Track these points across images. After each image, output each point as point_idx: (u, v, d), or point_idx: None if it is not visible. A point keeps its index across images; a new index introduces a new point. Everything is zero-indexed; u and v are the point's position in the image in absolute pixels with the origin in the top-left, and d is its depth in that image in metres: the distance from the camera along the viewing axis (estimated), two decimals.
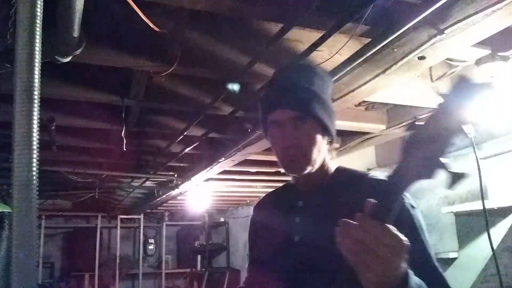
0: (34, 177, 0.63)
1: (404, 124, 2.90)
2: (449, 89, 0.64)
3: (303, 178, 1.06)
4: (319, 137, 1.01)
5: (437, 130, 0.63)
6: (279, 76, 1.08)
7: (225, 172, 4.19)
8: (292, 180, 1.13)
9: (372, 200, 0.69)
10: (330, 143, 1.07)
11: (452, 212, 3.05)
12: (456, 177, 0.62)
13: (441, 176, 0.64)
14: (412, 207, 0.93)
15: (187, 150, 3.43)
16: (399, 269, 0.69)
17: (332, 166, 1.09)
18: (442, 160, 0.63)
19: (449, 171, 0.63)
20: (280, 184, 1.23)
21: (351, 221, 0.69)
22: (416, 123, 0.68)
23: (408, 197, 0.93)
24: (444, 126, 0.63)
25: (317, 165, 1.03)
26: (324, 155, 1.05)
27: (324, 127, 1.02)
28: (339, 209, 0.90)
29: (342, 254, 0.70)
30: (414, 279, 0.73)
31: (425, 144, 0.64)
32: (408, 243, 0.68)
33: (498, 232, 2.71)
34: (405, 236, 0.69)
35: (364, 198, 0.71)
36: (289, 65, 1.14)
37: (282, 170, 1.08)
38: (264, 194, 1.29)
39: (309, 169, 1.01)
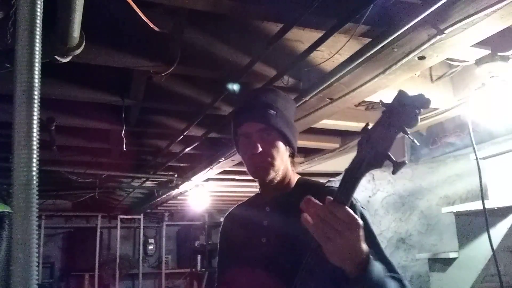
0: (34, 177, 0.63)
1: None
2: (391, 101, 0.84)
3: (269, 186, 1.19)
4: (282, 148, 1.16)
5: (384, 132, 0.83)
6: (250, 96, 1.27)
7: (225, 172, 4.19)
8: (260, 190, 1.27)
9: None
10: (293, 155, 1.22)
11: (452, 212, 3.05)
12: (399, 165, 0.82)
13: (388, 164, 0.83)
14: (362, 207, 1.10)
15: (187, 150, 3.43)
16: (357, 245, 0.83)
17: (295, 177, 1.24)
18: (388, 153, 0.83)
19: (394, 161, 0.82)
20: None
21: (314, 200, 0.84)
22: (368, 127, 0.86)
23: (358, 199, 1.10)
24: (389, 129, 0.82)
25: (280, 173, 1.17)
26: (286, 165, 1.20)
27: (286, 140, 1.16)
28: (300, 213, 1.01)
29: (305, 246, 0.88)
30: (375, 261, 0.87)
31: (376, 142, 0.83)
32: (362, 223, 0.83)
33: (498, 232, 2.71)
34: None
35: (321, 202, 0.84)
36: (259, 89, 1.39)
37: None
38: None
39: (273, 174, 1.16)
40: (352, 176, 0.85)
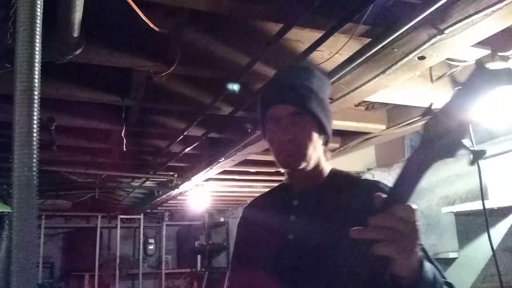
0: (34, 177, 0.62)
1: (404, 124, 2.90)
2: (466, 78, 0.68)
3: (298, 177, 1.07)
4: (315, 135, 1.02)
5: (459, 116, 0.66)
6: (279, 75, 1.10)
7: (225, 172, 4.20)
8: (286, 180, 1.13)
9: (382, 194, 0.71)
10: (326, 143, 1.08)
11: (452, 212, 3.05)
12: (478, 154, 0.68)
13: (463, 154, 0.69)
14: None
15: (187, 150, 3.43)
16: (419, 246, 0.71)
17: (327, 167, 1.10)
18: (464, 141, 0.67)
19: (471, 150, 0.67)
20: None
21: (378, 216, 0.69)
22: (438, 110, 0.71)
23: None
24: (464, 114, 0.66)
25: (312, 163, 1.03)
26: (319, 154, 1.06)
27: (320, 125, 1.03)
28: (334, 208, 0.91)
29: (338, 246, 0.73)
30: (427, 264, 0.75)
31: (448, 127, 0.67)
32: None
33: (498, 232, 2.71)
34: None
35: (359, 198, 0.75)
36: (289, 66, 1.17)
37: (282, 170, 1.10)
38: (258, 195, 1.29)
39: (304, 164, 1.02)
40: (419, 165, 0.69)
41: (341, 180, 1.06)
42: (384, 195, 0.71)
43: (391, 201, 0.70)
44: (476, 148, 0.69)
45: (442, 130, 0.67)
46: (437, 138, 0.68)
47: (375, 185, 0.97)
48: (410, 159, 0.71)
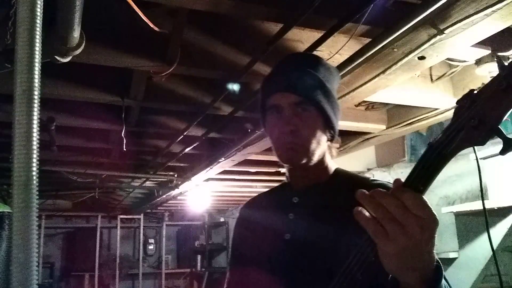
0: (34, 177, 0.62)
1: (404, 124, 2.90)
2: None
3: (299, 173, 0.99)
4: (319, 128, 0.94)
5: (499, 95, 0.58)
6: (284, 61, 1.01)
7: (225, 172, 4.19)
8: (287, 179, 1.05)
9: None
10: (332, 139, 0.99)
11: (452, 212, 3.05)
12: (511, 144, 0.59)
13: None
14: None
15: (187, 150, 3.43)
16: (426, 250, 0.59)
17: (332, 165, 1.02)
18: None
19: (505, 136, 0.58)
20: None
21: (381, 189, 0.61)
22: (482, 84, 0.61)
23: None
24: (506, 92, 0.57)
25: (315, 159, 0.95)
26: (323, 150, 0.97)
27: (326, 119, 0.94)
28: (336, 209, 0.84)
29: (339, 249, 0.65)
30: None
31: (483, 108, 0.59)
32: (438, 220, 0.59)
33: (498, 232, 2.71)
34: None
35: None
36: (295, 53, 1.07)
37: (282, 170, 1.07)
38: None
39: (305, 160, 0.94)
40: (440, 153, 0.60)
41: (346, 181, 0.98)
42: (384, 190, 0.61)
43: (411, 181, 0.61)
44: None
45: (474, 112, 0.59)
46: (469, 118, 0.59)
47: (383, 185, 0.90)
48: (432, 144, 0.62)
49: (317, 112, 0.93)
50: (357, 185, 0.93)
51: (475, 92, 0.61)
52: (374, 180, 0.96)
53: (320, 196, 0.97)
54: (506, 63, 0.59)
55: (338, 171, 1.02)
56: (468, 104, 0.60)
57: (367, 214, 0.61)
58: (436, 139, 0.62)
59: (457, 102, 0.62)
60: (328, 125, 0.96)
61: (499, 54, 1.96)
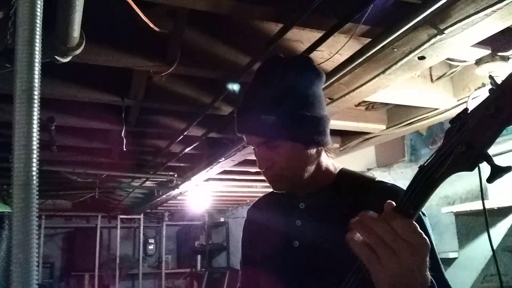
0: (34, 177, 0.62)
1: (404, 124, 2.91)
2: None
3: (299, 184, 0.98)
4: (297, 152, 0.93)
5: (487, 120, 0.57)
6: (244, 98, 0.99)
7: (225, 172, 4.19)
8: None
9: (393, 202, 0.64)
10: (322, 145, 0.97)
11: (452, 212, 3.05)
12: (499, 171, 0.58)
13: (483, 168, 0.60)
14: (423, 214, 0.86)
15: (187, 150, 3.43)
16: (419, 274, 0.61)
17: (334, 167, 1.02)
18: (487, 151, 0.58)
19: (493, 164, 0.58)
20: None
21: (370, 214, 0.63)
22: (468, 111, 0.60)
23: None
24: (493, 117, 0.56)
25: (306, 175, 0.95)
26: (312, 162, 0.96)
27: (301, 140, 0.93)
28: (342, 213, 0.84)
29: (349, 255, 0.65)
30: None
31: (471, 133, 0.58)
32: (430, 245, 0.62)
33: (498, 232, 2.71)
34: None
35: (371, 203, 0.68)
36: (259, 73, 1.00)
37: None
38: (261, 195, 1.23)
39: (294, 184, 0.96)
40: (428, 178, 0.62)
41: (352, 182, 0.97)
42: (392, 203, 0.63)
43: (401, 207, 0.62)
44: (498, 164, 0.58)
45: (462, 137, 0.58)
46: (458, 143, 0.58)
47: (390, 189, 0.92)
48: (423, 167, 0.63)
49: (287, 141, 0.92)
50: (363, 187, 0.93)
51: (468, 112, 0.60)
52: (380, 181, 0.96)
53: (326, 200, 0.97)
54: (498, 82, 0.58)
55: (343, 173, 1.02)
56: (458, 126, 0.60)
57: (359, 238, 0.63)
58: (427, 161, 0.63)
59: (450, 122, 0.62)
60: (308, 142, 0.94)
61: (499, 54, 1.96)
